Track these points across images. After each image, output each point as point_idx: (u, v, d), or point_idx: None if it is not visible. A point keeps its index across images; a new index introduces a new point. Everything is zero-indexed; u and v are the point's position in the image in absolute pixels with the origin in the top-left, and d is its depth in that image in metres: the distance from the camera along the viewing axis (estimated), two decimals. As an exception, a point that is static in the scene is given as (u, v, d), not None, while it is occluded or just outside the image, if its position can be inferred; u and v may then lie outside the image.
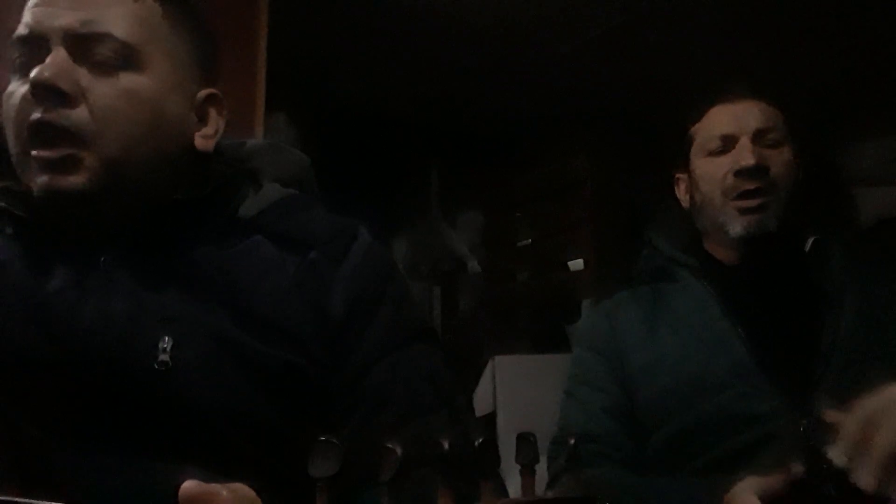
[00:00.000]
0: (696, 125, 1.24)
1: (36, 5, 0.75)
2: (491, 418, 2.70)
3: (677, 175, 1.28)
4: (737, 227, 1.15)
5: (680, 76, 2.76)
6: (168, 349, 0.69)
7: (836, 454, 0.72)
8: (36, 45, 0.73)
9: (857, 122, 3.11)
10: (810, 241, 1.21)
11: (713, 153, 1.19)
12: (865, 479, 0.70)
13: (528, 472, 0.39)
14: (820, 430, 0.75)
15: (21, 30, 0.74)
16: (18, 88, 0.73)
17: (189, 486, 0.45)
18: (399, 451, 0.37)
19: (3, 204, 0.75)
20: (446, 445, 0.37)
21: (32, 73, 0.70)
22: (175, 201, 0.77)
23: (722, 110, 1.21)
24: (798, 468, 0.82)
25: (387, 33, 2.70)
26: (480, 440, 0.38)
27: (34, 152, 0.71)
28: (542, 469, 0.42)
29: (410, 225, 3.46)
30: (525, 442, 0.39)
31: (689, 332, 1.15)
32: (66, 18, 0.73)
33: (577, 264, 3.42)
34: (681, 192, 1.29)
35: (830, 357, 1.06)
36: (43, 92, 0.70)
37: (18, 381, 0.68)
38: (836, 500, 0.75)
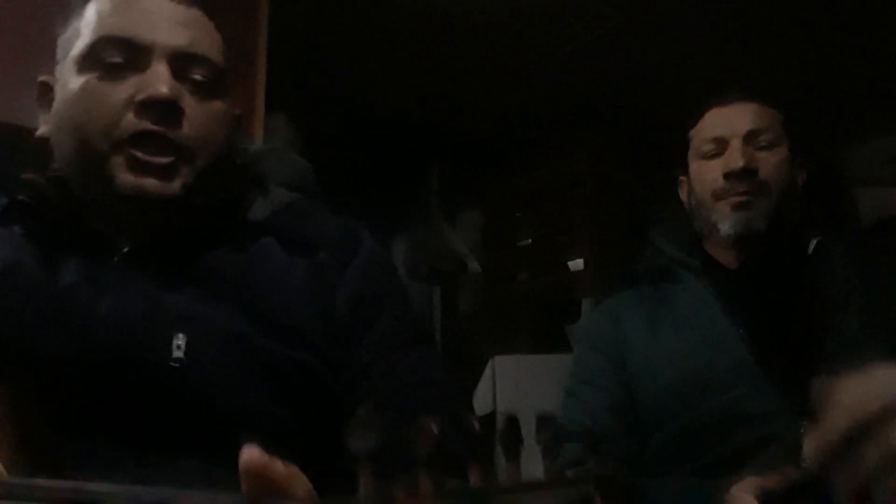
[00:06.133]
0: (693, 129, 1.26)
1: (127, 11, 0.77)
2: (491, 418, 2.70)
3: (681, 177, 1.30)
4: (726, 224, 1.17)
5: (680, 76, 2.76)
6: (182, 347, 0.70)
7: (808, 455, 0.73)
8: (132, 51, 0.76)
9: (857, 122, 3.11)
10: (814, 242, 1.21)
11: (706, 156, 1.21)
12: (807, 447, 0.71)
13: (550, 453, 0.39)
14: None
15: (114, 31, 0.76)
16: (101, 86, 0.75)
17: (252, 452, 0.44)
18: (435, 428, 0.37)
19: (23, 197, 0.77)
20: (476, 424, 0.38)
21: (151, 89, 0.74)
22: (191, 205, 0.78)
23: (716, 113, 1.23)
24: (793, 471, 0.83)
25: (387, 33, 2.70)
26: (479, 426, 0.38)
27: (140, 155, 0.74)
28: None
29: (410, 225, 3.46)
30: (545, 423, 0.40)
31: (691, 331, 1.16)
32: (177, 38, 0.77)
33: (577, 264, 3.42)
34: (683, 194, 1.30)
35: (833, 359, 1.06)
36: (159, 105, 0.74)
37: (32, 376, 0.68)
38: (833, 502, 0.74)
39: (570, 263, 3.47)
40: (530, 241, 3.65)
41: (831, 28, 2.58)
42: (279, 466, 0.44)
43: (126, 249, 0.76)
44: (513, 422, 0.39)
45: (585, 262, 3.34)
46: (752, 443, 1.02)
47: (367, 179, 3.20)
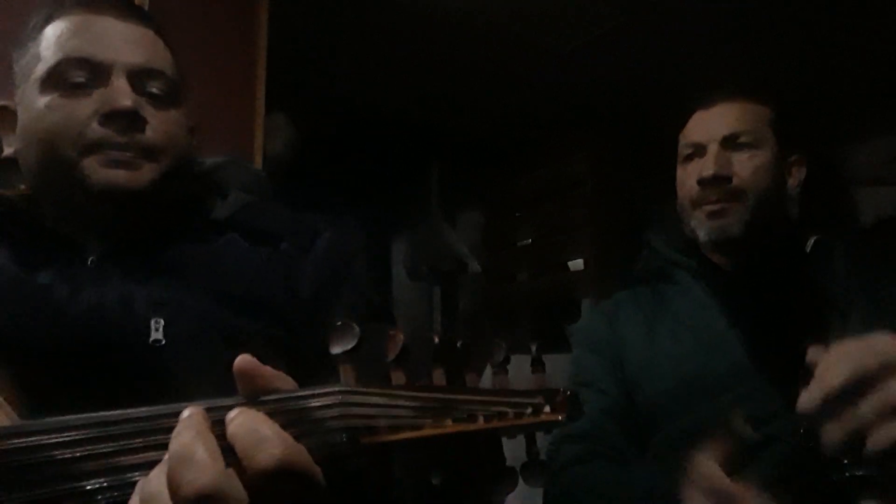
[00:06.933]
0: (681, 132, 1.25)
1: (86, 34, 0.83)
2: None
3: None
4: (702, 231, 1.17)
5: (680, 76, 2.76)
6: (161, 329, 0.76)
7: (804, 399, 0.71)
8: (94, 70, 0.82)
9: (857, 122, 3.11)
10: (811, 241, 1.20)
11: (686, 160, 1.21)
12: (803, 398, 0.70)
13: (501, 371, 0.47)
14: (818, 433, 0.75)
15: (75, 52, 0.82)
16: (65, 102, 0.80)
17: (244, 357, 0.49)
18: (402, 336, 0.45)
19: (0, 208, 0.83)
20: (437, 339, 0.46)
21: (114, 101, 0.80)
22: (156, 206, 0.85)
23: (699, 117, 1.22)
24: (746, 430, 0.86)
25: (387, 33, 2.70)
26: (461, 342, 0.47)
27: (109, 152, 0.80)
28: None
29: (410, 225, 3.46)
30: (498, 348, 0.48)
31: (688, 333, 1.15)
32: (134, 55, 0.84)
33: (577, 264, 3.42)
34: None
35: None
36: (123, 116, 0.80)
37: (19, 368, 0.70)
38: (834, 500, 0.74)
39: (570, 263, 3.47)
40: (530, 241, 3.65)
41: (831, 28, 2.58)
42: (268, 368, 0.49)
43: (99, 252, 0.82)
44: (469, 345, 0.47)
45: (585, 262, 3.34)
46: (750, 444, 1.02)
47: (367, 179, 3.20)
